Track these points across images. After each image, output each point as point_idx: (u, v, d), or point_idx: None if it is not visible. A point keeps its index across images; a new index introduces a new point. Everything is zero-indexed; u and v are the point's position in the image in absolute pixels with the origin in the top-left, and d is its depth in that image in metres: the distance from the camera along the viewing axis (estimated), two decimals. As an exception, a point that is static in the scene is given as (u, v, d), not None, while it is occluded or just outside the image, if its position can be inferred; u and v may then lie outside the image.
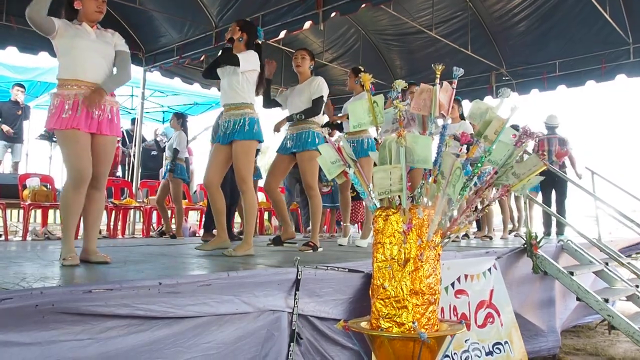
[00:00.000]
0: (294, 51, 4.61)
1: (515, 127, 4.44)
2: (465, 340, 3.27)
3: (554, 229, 6.90)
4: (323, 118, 10.06)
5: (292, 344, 2.43)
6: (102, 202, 2.93)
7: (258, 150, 6.31)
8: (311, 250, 3.89)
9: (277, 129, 4.32)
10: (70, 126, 2.67)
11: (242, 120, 3.51)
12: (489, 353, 3.42)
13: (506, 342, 3.57)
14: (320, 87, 4.15)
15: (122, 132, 9.19)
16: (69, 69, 2.73)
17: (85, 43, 2.75)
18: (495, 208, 6.77)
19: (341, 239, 4.93)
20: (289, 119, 4.20)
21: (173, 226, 6.61)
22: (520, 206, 7.24)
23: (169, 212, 6.82)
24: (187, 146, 8.00)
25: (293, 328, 2.44)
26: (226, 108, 3.61)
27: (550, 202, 6.92)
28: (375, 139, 4.84)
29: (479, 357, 3.33)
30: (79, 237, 5.94)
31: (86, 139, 2.73)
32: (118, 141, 8.29)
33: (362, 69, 4.73)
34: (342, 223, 5.38)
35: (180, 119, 6.78)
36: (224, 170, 3.66)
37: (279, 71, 8.77)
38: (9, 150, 7.82)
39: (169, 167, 6.40)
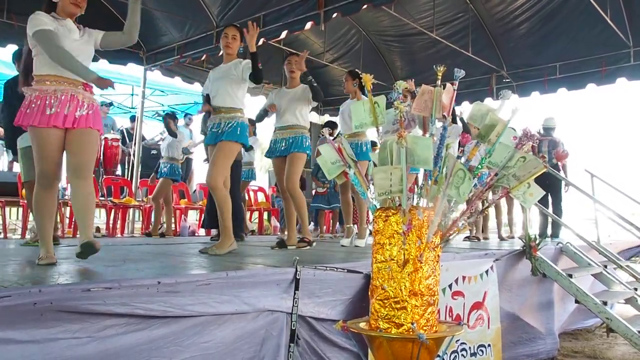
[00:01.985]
0: (294, 51, 4.64)
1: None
2: (456, 341, 3.29)
3: (549, 231, 6.90)
4: (323, 118, 10.06)
5: (292, 344, 2.43)
6: (86, 188, 2.75)
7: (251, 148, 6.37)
8: (307, 246, 3.91)
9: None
10: (47, 124, 2.62)
11: (231, 123, 3.61)
12: (473, 354, 3.44)
13: (489, 346, 3.58)
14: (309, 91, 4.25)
15: (122, 130, 9.19)
16: (50, 65, 2.67)
17: (68, 43, 2.71)
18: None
19: (343, 240, 4.96)
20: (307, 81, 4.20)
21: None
22: (511, 209, 7.17)
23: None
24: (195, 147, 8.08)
25: (293, 328, 2.44)
26: (217, 110, 3.70)
27: (547, 206, 6.90)
28: (372, 141, 4.91)
29: (464, 357, 3.35)
30: (77, 235, 5.97)
31: (58, 137, 2.69)
32: (118, 139, 8.36)
33: (360, 73, 4.77)
34: (344, 224, 5.40)
35: (175, 119, 6.80)
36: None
37: (278, 71, 8.77)
38: (4, 149, 7.87)
39: (172, 167, 6.45)
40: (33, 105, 2.64)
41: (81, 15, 2.88)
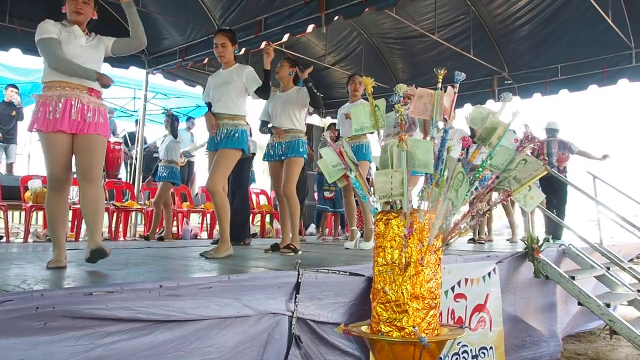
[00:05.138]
0: (296, 54, 4.65)
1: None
2: (458, 343, 3.28)
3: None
4: (325, 121, 10.02)
5: (291, 347, 2.43)
6: (95, 193, 2.77)
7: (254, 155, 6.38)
8: (292, 253, 3.91)
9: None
10: (53, 129, 2.67)
11: (233, 130, 3.65)
12: (475, 357, 3.43)
13: (491, 348, 3.56)
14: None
15: (125, 135, 9.22)
16: (57, 71, 2.73)
17: (74, 49, 2.77)
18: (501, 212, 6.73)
19: (348, 243, 4.96)
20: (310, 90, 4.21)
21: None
22: (510, 212, 7.10)
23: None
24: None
25: (292, 332, 2.44)
26: (220, 117, 3.71)
27: (551, 208, 6.88)
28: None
29: (465, 359, 3.34)
30: (80, 239, 5.98)
31: (65, 141, 2.73)
32: (120, 142, 8.38)
33: (361, 75, 4.80)
34: (347, 227, 5.38)
35: (177, 121, 6.80)
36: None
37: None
38: (4, 151, 7.93)
39: (168, 170, 6.41)
40: (40, 111, 2.70)
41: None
